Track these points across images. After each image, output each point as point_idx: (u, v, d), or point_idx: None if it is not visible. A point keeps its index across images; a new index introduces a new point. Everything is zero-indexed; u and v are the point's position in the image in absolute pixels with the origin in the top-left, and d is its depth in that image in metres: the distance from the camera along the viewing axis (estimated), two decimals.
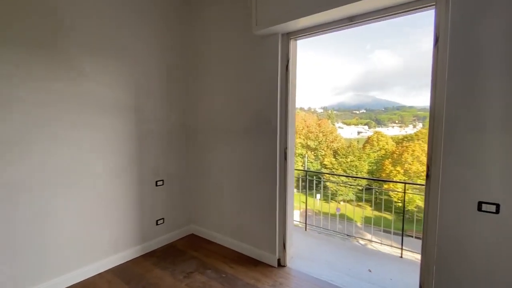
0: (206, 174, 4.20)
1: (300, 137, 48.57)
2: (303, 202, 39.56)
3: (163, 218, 4.17)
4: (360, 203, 36.61)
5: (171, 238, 4.32)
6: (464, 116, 1.90)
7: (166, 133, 4.03)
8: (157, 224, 4.10)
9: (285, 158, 3.20)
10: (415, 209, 28.77)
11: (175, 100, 4.07)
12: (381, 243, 6.65)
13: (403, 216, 5.59)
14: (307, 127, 48.93)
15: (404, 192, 5.83)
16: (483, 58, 1.80)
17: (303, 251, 4.39)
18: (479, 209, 1.92)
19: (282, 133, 3.20)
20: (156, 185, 3.99)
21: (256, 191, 3.52)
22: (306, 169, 49.77)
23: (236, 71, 3.54)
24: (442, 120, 2.04)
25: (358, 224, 30.12)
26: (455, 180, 2.00)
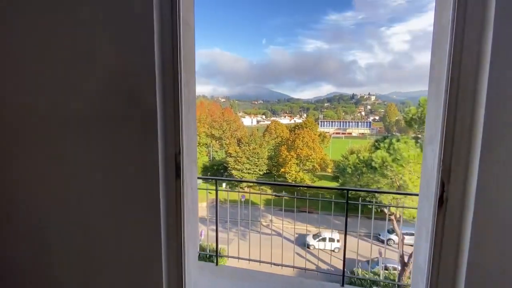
0: None
1: (204, 127, 47.48)
2: (210, 192, 38.81)
3: None
4: (262, 187, 39.74)
5: None
6: None
7: None
8: None
9: (178, 174, 1.45)
10: (305, 188, 33.71)
11: None
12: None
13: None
14: (211, 116, 48.29)
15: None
16: None
17: None
18: None
19: (170, 125, 1.52)
20: None
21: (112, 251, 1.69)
22: (211, 159, 49.49)
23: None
24: (475, 97, 1.07)
25: (261, 207, 32.64)
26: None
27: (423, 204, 1.22)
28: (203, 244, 19.99)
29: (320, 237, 21.82)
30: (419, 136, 15.79)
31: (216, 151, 50.17)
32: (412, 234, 22.41)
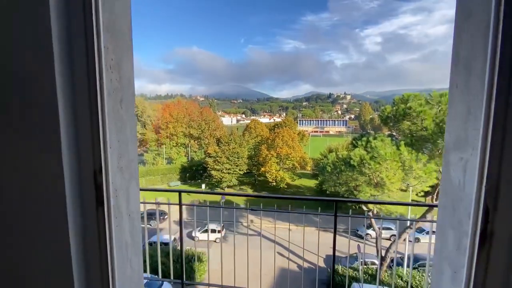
0: None
1: (182, 126, 46.02)
2: (188, 194, 37.10)
3: None
4: (242, 187, 39.39)
5: None
6: None
7: None
8: None
9: (100, 200, 0.90)
10: (285, 187, 33.84)
11: None
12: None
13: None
14: (189, 115, 46.95)
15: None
16: None
17: None
18: None
19: (84, 129, 0.88)
20: None
21: None
22: (189, 159, 48.21)
23: None
24: None
25: (241, 207, 32.25)
26: None
27: (447, 232, 0.87)
28: (177, 250, 19.29)
29: (204, 229, 22.83)
30: (394, 134, 16.28)
31: (195, 151, 48.98)
32: (387, 229, 23.26)
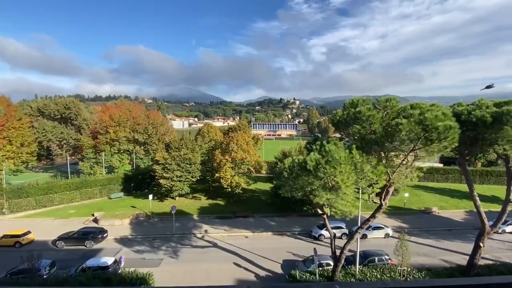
0: None
1: (125, 131, 41.46)
2: (133, 206, 33.80)
3: None
4: (195, 195, 37.15)
5: None
6: None
7: None
8: None
9: None
10: (241, 192, 32.95)
11: None
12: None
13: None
14: (134, 118, 42.50)
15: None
16: None
17: None
18: None
19: None
20: None
21: None
22: (135, 167, 43.74)
23: None
24: None
25: (195, 216, 30.25)
26: None
27: None
28: (123, 273, 16.72)
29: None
30: (343, 137, 16.88)
31: (141, 158, 44.69)
32: (338, 228, 24.27)
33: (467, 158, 18.85)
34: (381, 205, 14.84)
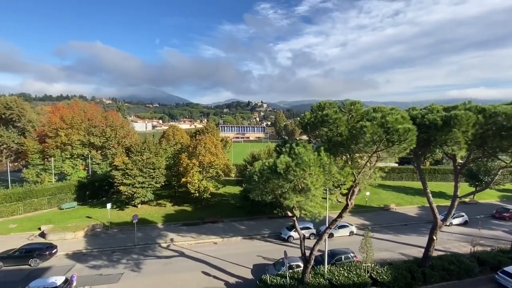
0: None
1: (79, 133, 37.64)
2: (89, 217, 30.82)
3: None
4: (160, 201, 35.05)
5: None
6: None
7: None
8: None
9: None
10: (209, 197, 31.93)
11: None
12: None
13: None
14: (89, 120, 38.71)
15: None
16: None
17: None
18: None
19: None
20: None
21: None
22: (91, 173, 39.93)
23: None
24: None
25: (159, 225, 28.42)
26: None
27: None
28: None
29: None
30: (311, 139, 17.19)
31: (98, 164, 40.92)
32: (307, 228, 24.71)
33: (420, 158, 20.54)
34: (347, 205, 15.33)
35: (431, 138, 15.35)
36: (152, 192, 30.90)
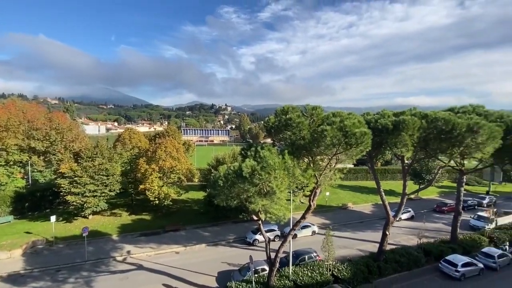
0: None
1: (16, 137, 32.78)
2: (29, 232, 27.21)
3: None
4: (115, 211, 32.18)
5: None
6: None
7: None
8: None
9: None
10: (170, 204, 30.32)
11: None
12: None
13: None
14: (29, 122, 33.88)
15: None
16: None
17: None
18: None
19: None
20: None
21: None
22: (31, 182, 35.02)
23: None
24: None
25: (114, 237, 26.00)
26: None
27: None
28: None
29: None
30: (275, 142, 17.40)
31: (40, 171, 36.08)
32: (272, 230, 24.91)
33: (374, 159, 22.23)
34: (310, 206, 15.78)
35: (383, 140, 16.66)
36: (105, 201, 28.26)
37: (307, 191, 15.53)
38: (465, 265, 18.69)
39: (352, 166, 53.15)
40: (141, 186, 28.34)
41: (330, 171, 14.97)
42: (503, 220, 28.60)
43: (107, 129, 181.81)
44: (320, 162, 15.41)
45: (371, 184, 45.65)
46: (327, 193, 34.69)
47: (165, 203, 28.96)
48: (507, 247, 22.32)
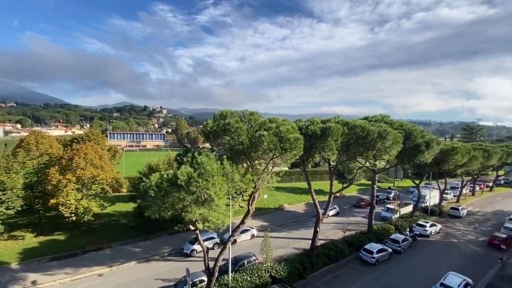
0: None
1: None
2: None
3: None
4: (15, 233, 25.92)
5: None
6: None
7: None
8: None
9: None
10: (92, 219, 26.23)
11: None
12: None
13: None
14: None
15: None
16: None
17: None
18: None
19: None
20: None
21: None
22: None
23: None
24: None
25: (14, 265, 20.90)
26: None
27: None
28: None
29: None
30: (215, 148, 17.03)
31: None
32: (211, 238, 24.18)
33: (305, 162, 24.15)
34: (249, 210, 15.93)
35: (313, 145, 18.19)
36: (0, 221, 22.62)
37: (246, 196, 15.63)
38: (378, 251, 21.87)
39: (287, 169, 56.58)
40: (52, 201, 23.72)
41: (267, 175, 15.45)
42: (404, 210, 34.73)
43: (6, 132, 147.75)
44: (258, 167, 15.77)
45: (304, 184, 49.27)
46: (265, 196, 35.89)
47: (85, 219, 24.92)
48: (407, 232, 27.16)
